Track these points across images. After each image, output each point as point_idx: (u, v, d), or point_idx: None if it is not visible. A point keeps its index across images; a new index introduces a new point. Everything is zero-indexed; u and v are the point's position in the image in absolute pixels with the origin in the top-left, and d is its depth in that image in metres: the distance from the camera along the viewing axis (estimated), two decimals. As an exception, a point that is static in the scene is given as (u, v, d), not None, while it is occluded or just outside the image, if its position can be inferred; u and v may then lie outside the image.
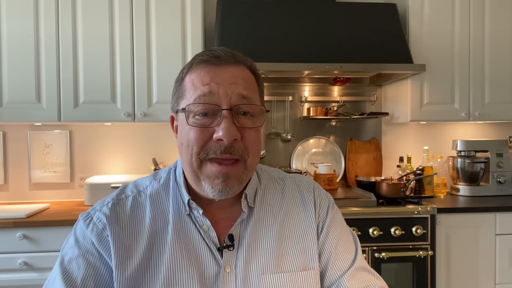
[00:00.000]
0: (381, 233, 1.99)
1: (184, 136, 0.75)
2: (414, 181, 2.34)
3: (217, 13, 2.29)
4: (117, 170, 2.53)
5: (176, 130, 0.81)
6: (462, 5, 2.42)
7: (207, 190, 0.74)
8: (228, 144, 0.71)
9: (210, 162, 0.73)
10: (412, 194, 2.34)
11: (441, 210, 2.06)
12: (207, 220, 0.78)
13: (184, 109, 0.74)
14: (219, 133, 0.71)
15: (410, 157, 2.55)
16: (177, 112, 0.78)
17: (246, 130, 0.74)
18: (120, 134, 2.54)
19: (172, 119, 0.83)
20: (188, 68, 0.78)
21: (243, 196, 0.81)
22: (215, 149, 0.72)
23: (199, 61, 0.76)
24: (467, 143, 2.52)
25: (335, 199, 0.92)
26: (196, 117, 0.73)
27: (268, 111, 0.80)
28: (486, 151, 2.53)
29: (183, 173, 0.81)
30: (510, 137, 2.67)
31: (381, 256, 1.97)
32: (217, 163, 0.72)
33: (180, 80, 0.79)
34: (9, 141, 2.45)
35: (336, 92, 2.66)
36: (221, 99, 0.72)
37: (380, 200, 2.13)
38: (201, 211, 0.78)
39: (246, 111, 0.74)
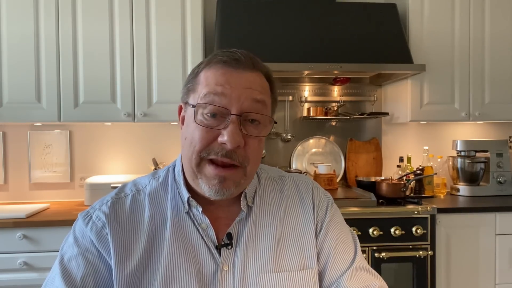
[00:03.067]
0: (381, 233, 1.99)
1: (189, 132, 0.75)
2: (414, 181, 2.34)
3: (217, 13, 2.29)
4: (117, 170, 2.53)
5: (182, 120, 0.81)
6: (462, 5, 2.42)
7: (204, 188, 0.74)
8: (231, 149, 0.71)
9: (209, 163, 0.73)
10: (412, 194, 2.34)
11: (441, 210, 2.06)
12: (206, 218, 0.78)
13: (194, 106, 0.74)
14: (224, 137, 0.71)
15: (410, 157, 2.55)
16: (186, 103, 0.78)
17: (250, 138, 0.74)
18: (120, 134, 2.54)
19: (180, 109, 0.82)
20: (206, 64, 0.78)
21: (242, 195, 0.81)
22: (217, 151, 0.72)
23: (217, 60, 0.76)
24: (467, 143, 2.52)
25: (335, 199, 0.92)
26: (205, 116, 0.73)
27: (276, 122, 0.80)
28: (486, 151, 2.52)
29: (182, 171, 0.82)
30: (510, 137, 2.67)
31: (381, 256, 1.96)
32: (214, 166, 0.73)
33: (195, 74, 0.78)
34: (9, 141, 2.45)
35: (336, 92, 2.66)
36: (232, 102, 0.72)
37: (380, 200, 2.12)
38: (200, 209, 0.78)
39: (254, 119, 0.74)
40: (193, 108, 0.74)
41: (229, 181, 0.73)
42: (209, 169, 0.73)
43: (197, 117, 0.73)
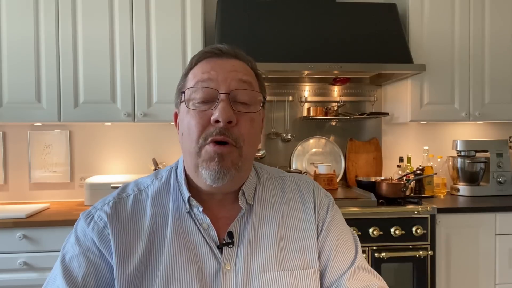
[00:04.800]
0: (381, 233, 1.99)
1: (185, 124, 0.77)
2: (414, 181, 2.34)
3: (217, 13, 2.29)
4: (117, 170, 2.53)
5: (178, 126, 0.83)
6: (462, 5, 2.42)
7: (205, 175, 0.75)
8: (224, 125, 0.73)
9: (208, 145, 0.74)
10: (412, 194, 2.34)
11: (441, 210, 2.06)
12: (207, 217, 0.78)
13: (183, 93, 0.77)
14: (215, 114, 0.73)
15: (410, 157, 2.55)
16: (179, 104, 0.81)
17: (242, 116, 0.76)
18: (120, 134, 2.54)
19: (176, 117, 0.85)
20: (191, 63, 0.81)
21: (240, 192, 0.81)
22: (211, 132, 0.74)
23: (201, 54, 0.80)
24: (467, 143, 2.52)
25: (335, 199, 0.92)
26: (196, 104, 0.76)
27: (265, 98, 0.83)
28: (486, 151, 2.53)
29: (184, 171, 0.82)
30: (510, 137, 2.67)
31: (381, 256, 1.97)
32: (212, 144, 0.74)
33: (184, 75, 0.82)
34: (9, 141, 2.45)
35: (336, 92, 2.66)
36: (220, 84, 0.75)
37: (380, 200, 2.12)
38: (201, 209, 0.78)
39: (243, 101, 0.76)
40: (184, 101, 0.77)
41: (227, 160, 0.74)
42: (208, 149, 0.74)
43: (189, 105, 0.76)
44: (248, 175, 0.83)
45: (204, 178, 0.75)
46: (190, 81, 0.78)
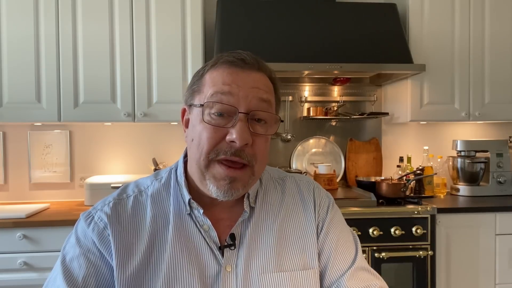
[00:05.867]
0: (381, 233, 1.99)
1: (196, 133, 0.75)
2: (414, 181, 2.34)
3: (217, 13, 2.29)
4: (117, 170, 2.53)
5: (186, 123, 0.81)
6: (462, 5, 2.42)
7: (212, 190, 0.74)
8: (239, 147, 0.72)
9: (219, 163, 0.73)
10: (412, 194, 2.34)
11: (441, 210, 2.06)
12: (208, 219, 0.78)
13: (202, 105, 0.74)
14: (232, 135, 0.71)
15: (410, 157, 2.55)
16: (190, 106, 0.79)
17: (258, 136, 0.75)
18: (120, 134, 2.54)
19: (183, 112, 0.83)
20: (211, 65, 0.78)
21: (245, 196, 0.81)
22: (225, 150, 0.72)
23: (224, 61, 0.77)
24: (467, 143, 2.52)
25: (335, 199, 0.92)
26: (212, 115, 0.73)
27: (282, 121, 0.81)
28: (486, 151, 2.53)
29: (184, 172, 0.82)
30: (510, 137, 2.67)
31: (381, 256, 1.97)
32: (225, 166, 0.73)
33: (200, 75, 0.79)
34: (9, 141, 2.45)
35: (336, 92, 2.66)
36: (240, 101, 0.73)
37: (380, 200, 2.13)
38: (201, 211, 0.78)
39: (261, 118, 0.75)
40: (200, 108, 0.74)
41: (238, 182, 0.74)
42: (220, 170, 0.73)
43: (204, 117, 0.74)
44: (254, 184, 0.82)
45: (210, 191, 0.75)
46: (208, 86, 0.75)
